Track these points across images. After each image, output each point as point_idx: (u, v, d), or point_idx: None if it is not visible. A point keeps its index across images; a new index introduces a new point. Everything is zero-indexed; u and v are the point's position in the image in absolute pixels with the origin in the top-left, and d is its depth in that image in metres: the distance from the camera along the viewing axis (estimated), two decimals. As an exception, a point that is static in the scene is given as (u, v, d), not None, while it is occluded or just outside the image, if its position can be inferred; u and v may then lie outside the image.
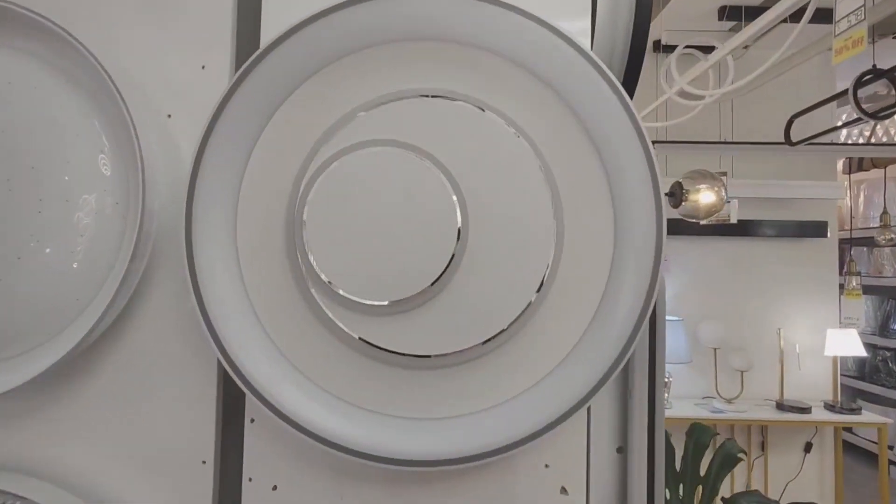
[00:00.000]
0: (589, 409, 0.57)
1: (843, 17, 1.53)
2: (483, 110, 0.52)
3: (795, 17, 2.00)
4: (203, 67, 0.63)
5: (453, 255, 0.50)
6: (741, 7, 2.95)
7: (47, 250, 0.50)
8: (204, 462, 0.55)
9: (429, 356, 0.52)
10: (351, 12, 0.53)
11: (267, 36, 0.56)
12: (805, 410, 3.55)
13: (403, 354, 0.52)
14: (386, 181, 0.51)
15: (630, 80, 0.61)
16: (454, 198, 0.51)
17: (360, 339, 0.52)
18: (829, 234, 3.90)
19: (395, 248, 0.51)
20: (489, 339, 0.52)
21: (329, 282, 0.51)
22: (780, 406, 3.66)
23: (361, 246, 0.51)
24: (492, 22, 0.51)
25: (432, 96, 0.53)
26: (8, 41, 0.52)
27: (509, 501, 0.56)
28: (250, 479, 0.55)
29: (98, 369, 0.61)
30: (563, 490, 0.56)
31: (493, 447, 0.50)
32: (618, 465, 0.64)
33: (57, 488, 0.55)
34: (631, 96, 0.61)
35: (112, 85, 0.53)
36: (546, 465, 0.56)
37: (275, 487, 0.55)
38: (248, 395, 0.54)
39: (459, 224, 0.50)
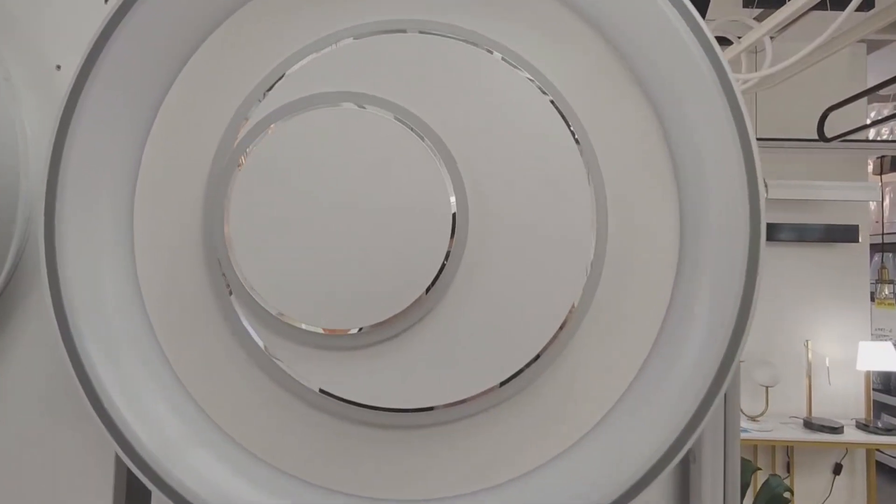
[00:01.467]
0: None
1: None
2: (491, 52, 0.39)
3: (825, 4, 1.83)
4: (106, 1, 0.46)
5: (448, 256, 0.36)
6: (767, -7, 2.76)
7: None
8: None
9: (428, 409, 0.38)
10: None
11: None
12: (836, 430, 3.31)
13: (380, 409, 0.38)
14: (347, 155, 0.37)
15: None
16: (447, 178, 0.37)
17: (320, 391, 0.38)
18: (860, 239, 3.66)
19: (365, 249, 0.37)
20: (504, 383, 0.38)
21: (266, 303, 0.38)
22: (809, 424, 3.42)
23: (313, 251, 0.37)
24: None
25: (419, 32, 0.39)
26: None
27: None
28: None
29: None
30: None
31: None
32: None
33: None
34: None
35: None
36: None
37: None
38: (136, 471, 0.36)
39: (454, 210, 0.36)
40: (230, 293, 0.38)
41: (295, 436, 0.39)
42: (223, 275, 0.38)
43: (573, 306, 0.38)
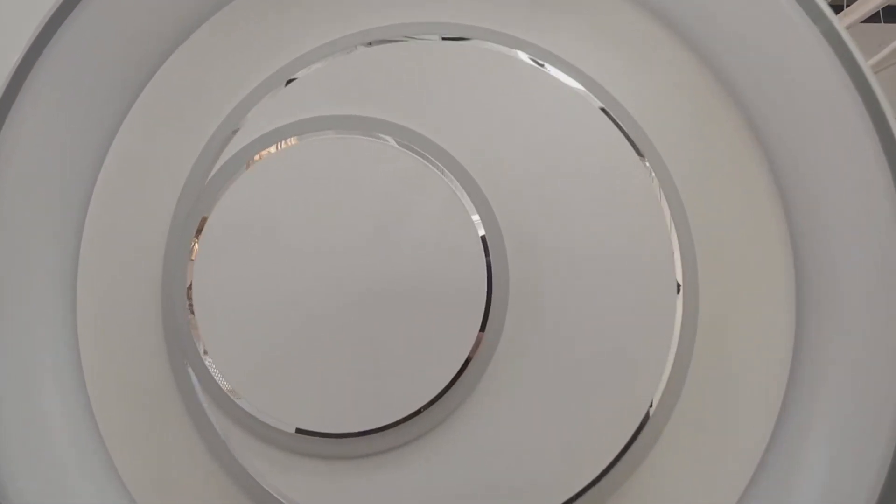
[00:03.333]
0: None
1: None
2: (542, 65, 0.31)
3: None
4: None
5: (484, 324, 0.29)
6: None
7: None
8: None
9: None
10: None
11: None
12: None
13: None
14: (346, 199, 0.29)
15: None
16: (476, 223, 0.29)
17: None
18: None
19: (366, 332, 0.29)
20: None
21: (240, 399, 0.30)
22: None
23: (302, 332, 0.29)
24: None
25: (441, 38, 0.30)
26: None
27: None
28: None
29: None
30: None
31: None
32: None
33: None
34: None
35: None
36: None
37: None
38: None
39: (487, 263, 0.29)
40: (201, 397, 0.30)
41: None
42: (192, 373, 0.29)
43: (651, 407, 0.29)
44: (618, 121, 0.29)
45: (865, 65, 0.27)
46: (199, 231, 0.30)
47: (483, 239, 0.28)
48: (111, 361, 0.31)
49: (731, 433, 0.30)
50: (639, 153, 0.29)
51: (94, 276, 0.30)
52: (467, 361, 0.29)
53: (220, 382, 0.30)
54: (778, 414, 0.30)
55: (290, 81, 0.30)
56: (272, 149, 0.29)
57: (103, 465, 0.31)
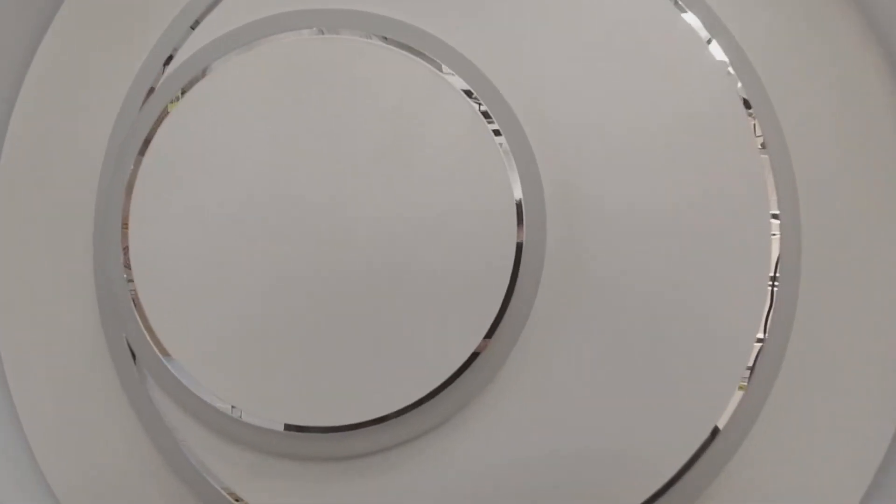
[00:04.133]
0: None
1: None
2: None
3: None
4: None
5: (512, 285, 0.22)
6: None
7: None
8: None
9: None
10: None
11: None
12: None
13: None
14: (323, 115, 0.22)
15: None
16: (506, 157, 0.21)
17: None
18: None
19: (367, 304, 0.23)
20: None
21: (206, 391, 0.24)
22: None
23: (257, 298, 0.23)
24: None
25: None
26: None
27: None
28: None
29: None
30: None
31: None
32: None
33: None
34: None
35: None
36: None
37: None
38: None
39: (519, 197, 0.22)
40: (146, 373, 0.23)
41: None
42: (125, 338, 0.23)
43: (716, 428, 0.22)
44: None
45: None
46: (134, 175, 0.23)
47: (521, 178, 0.21)
48: (36, 344, 0.25)
49: (841, 436, 0.22)
50: (746, 105, 0.21)
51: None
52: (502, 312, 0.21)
53: (172, 370, 0.24)
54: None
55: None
56: (232, 54, 0.22)
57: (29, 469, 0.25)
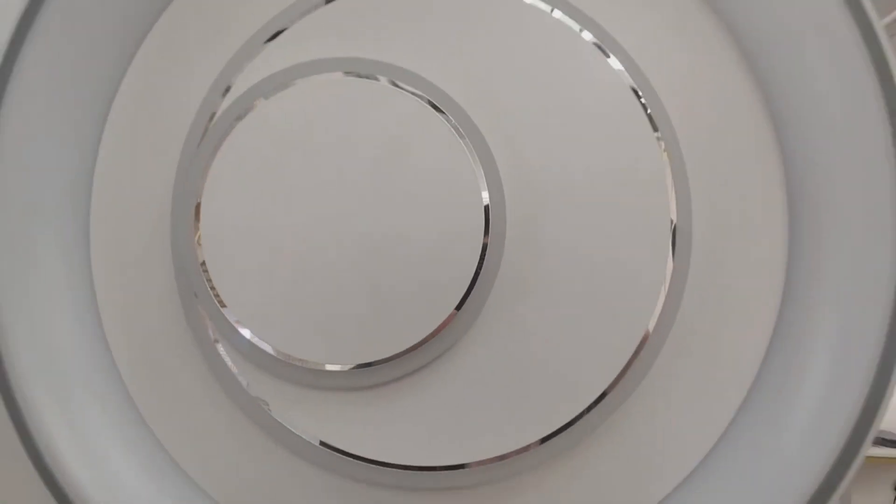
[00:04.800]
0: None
1: None
2: (551, 9, 0.31)
3: None
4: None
5: (482, 260, 0.30)
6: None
7: None
8: None
9: (460, 466, 0.31)
10: None
11: None
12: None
13: (397, 467, 0.31)
14: (347, 139, 0.30)
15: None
16: (478, 167, 0.30)
17: (321, 444, 0.32)
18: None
19: (371, 260, 0.31)
20: (548, 437, 0.31)
21: (246, 331, 0.31)
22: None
23: (302, 265, 0.31)
24: None
25: None
26: None
27: None
28: None
29: None
30: None
31: None
32: None
33: None
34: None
35: None
36: None
37: None
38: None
39: (486, 202, 0.30)
40: (206, 320, 0.31)
41: (278, 491, 0.32)
42: (201, 308, 0.31)
43: (643, 337, 0.31)
44: (622, 65, 0.30)
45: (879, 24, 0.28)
46: (204, 175, 0.32)
47: (485, 171, 0.30)
48: (124, 297, 0.33)
49: (725, 352, 0.31)
50: (637, 95, 0.30)
51: (106, 203, 0.32)
52: (467, 293, 0.30)
53: (227, 316, 0.32)
54: (771, 335, 0.31)
55: (280, 32, 0.31)
56: (270, 94, 0.31)
57: (120, 395, 0.33)
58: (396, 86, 0.30)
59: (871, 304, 0.28)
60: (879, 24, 0.28)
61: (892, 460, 3.64)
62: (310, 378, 0.32)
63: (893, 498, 3.92)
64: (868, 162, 0.27)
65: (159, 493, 0.32)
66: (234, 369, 0.32)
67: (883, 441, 3.52)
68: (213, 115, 0.31)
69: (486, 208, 0.30)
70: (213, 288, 0.31)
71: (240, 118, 0.31)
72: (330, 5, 0.31)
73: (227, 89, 0.32)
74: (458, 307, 0.31)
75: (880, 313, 0.27)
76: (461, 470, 0.31)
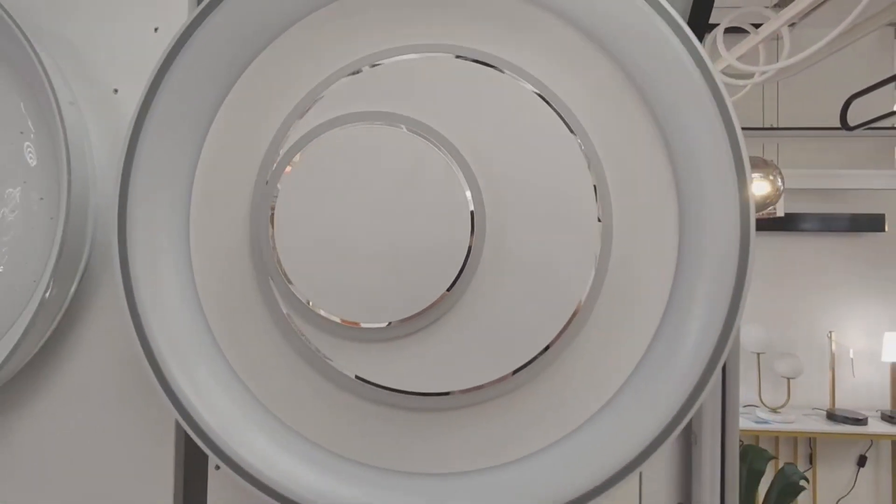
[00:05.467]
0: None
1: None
2: (502, 71, 0.41)
3: None
4: (156, 30, 0.51)
5: (468, 256, 0.40)
6: (789, -20, 2.70)
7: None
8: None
9: (445, 394, 0.42)
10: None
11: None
12: (860, 422, 3.26)
13: (411, 394, 0.42)
14: (378, 166, 0.41)
15: (698, 24, 0.46)
16: (464, 185, 0.40)
17: (356, 377, 0.42)
18: (886, 228, 3.58)
19: (393, 252, 0.41)
20: (520, 369, 0.41)
21: (308, 301, 0.41)
22: (832, 416, 3.37)
23: (348, 252, 0.41)
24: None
25: (435, 54, 0.41)
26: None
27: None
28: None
29: (27, 404, 0.50)
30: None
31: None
32: (683, 533, 0.49)
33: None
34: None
35: (32, 53, 0.42)
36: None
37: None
38: (202, 446, 0.42)
39: (472, 209, 0.40)
40: (276, 292, 0.43)
41: (335, 418, 0.44)
42: (272, 282, 0.42)
43: (580, 302, 0.40)
44: (557, 111, 0.42)
45: (717, 73, 0.41)
46: (276, 189, 0.44)
47: (469, 187, 0.39)
48: (217, 283, 0.45)
49: (634, 311, 0.40)
50: (571, 131, 0.43)
51: (204, 206, 0.41)
52: (462, 268, 0.40)
53: (293, 292, 0.44)
54: (667, 299, 0.41)
55: (317, 100, 0.43)
56: (321, 136, 0.43)
57: (215, 351, 0.45)
58: (413, 132, 0.39)
59: (726, 279, 0.41)
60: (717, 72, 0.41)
61: (854, 437, 3.85)
62: (350, 333, 0.40)
63: (857, 472, 4.13)
64: (721, 193, 0.40)
65: (244, 417, 0.44)
66: (300, 331, 0.43)
67: (846, 419, 3.73)
68: (282, 145, 0.43)
69: (472, 214, 0.39)
70: (283, 272, 0.42)
71: (301, 148, 0.41)
72: (372, 69, 0.41)
73: (285, 135, 0.44)
74: (449, 289, 0.39)
75: (728, 284, 0.41)
76: (446, 396, 0.41)
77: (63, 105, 0.41)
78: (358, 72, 0.42)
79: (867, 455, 3.59)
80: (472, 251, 0.39)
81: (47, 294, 0.41)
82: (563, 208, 0.40)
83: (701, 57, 0.40)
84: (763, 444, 3.31)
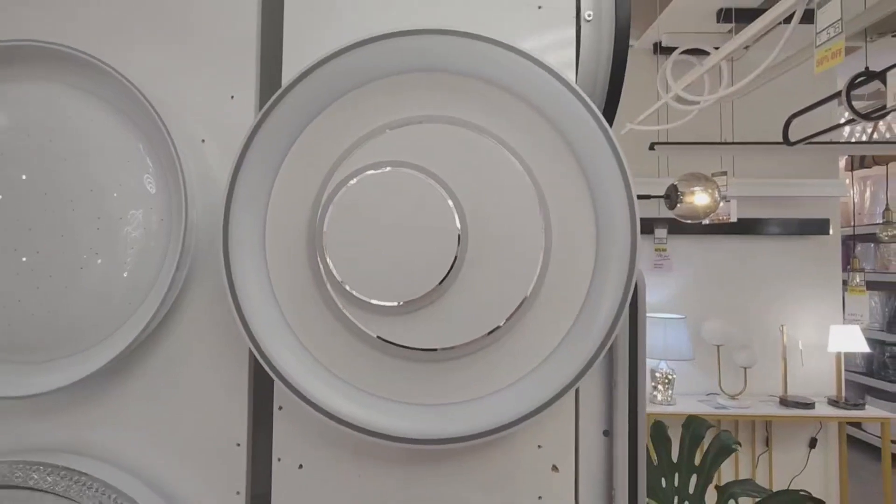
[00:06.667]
0: (578, 396, 0.64)
1: (822, 30, 1.58)
2: (480, 133, 0.59)
3: (803, 18, 2.03)
4: (232, 97, 0.71)
5: (455, 259, 0.56)
6: (738, 9, 2.99)
7: (99, 261, 0.57)
8: (238, 445, 0.62)
9: (436, 349, 0.58)
10: (365, 50, 0.61)
11: (288, 70, 0.64)
12: (808, 406, 3.58)
13: (414, 349, 0.58)
14: (396, 195, 0.57)
15: (612, 103, 0.69)
16: (454, 210, 0.57)
17: (377, 337, 0.57)
18: (831, 231, 3.92)
19: (405, 254, 0.57)
20: (490, 332, 0.57)
21: (346, 285, 0.57)
22: (784, 402, 3.69)
23: (375, 252, 0.57)
24: (483, 56, 0.59)
25: (435, 122, 0.61)
26: (63, 78, 0.60)
27: (507, 478, 0.64)
28: (279, 459, 0.63)
29: (144, 365, 0.69)
30: (555, 468, 0.64)
31: (493, 426, 0.57)
32: (604, 447, 0.71)
33: (110, 466, 0.63)
34: (612, 117, 0.68)
35: (154, 113, 0.61)
36: (539, 446, 0.64)
37: (301, 466, 0.64)
38: (278, 383, 0.62)
39: (459, 231, 0.56)
40: (325, 279, 0.64)
41: (363, 365, 0.64)
42: (322, 272, 0.63)
43: (528, 293, 0.57)
44: (516, 157, 0.65)
45: (613, 134, 0.64)
46: (327, 208, 0.64)
47: (457, 213, 0.54)
48: (287, 274, 0.65)
49: (566, 299, 0.59)
50: (524, 170, 0.65)
51: (276, 221, 0.58)
52: (450, 269, 0.61)
53: (336, 278, 0.65)
54: (588, 286, 0.66)
55: (369, 141, 0.65)
56: (359, 175, 0.64)
57: (286, 327, 0.65)
58: (420, 174, 0.57)
59: (625, 264, 0.64)
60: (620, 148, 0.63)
61: (803, 419, 4.16)
62: (374, 308, 0.54)
63: (808, 453, 4.44)
64: (621, 218, 0.63)
65: (302, 366, 0.65)
66: (340, 306, 0.65)
67: (796, 404, 4.04)
68: (330, 180, 0.64)
69: (458, 236, 0.54)
70: (329, 266, 0.64)
71: (345, 184, 0.58)
72: (392, 131, 0.63)
73: (333, 174, 0.65)
74: (441, 282, 0.54)
75: (628, 263, 0.64)
76: (439, 351, 0.56)
77: (180, 149, 0.61)
78: (382, 133, 0.63)
79: (817, 437, 3.91)
80: (457, 259, 0.55)
81: (170, 283, 0.61)
82: (519, 227, 0.56)
83: (606, 128, 0.62)
84: (725, 427, 3.60)
